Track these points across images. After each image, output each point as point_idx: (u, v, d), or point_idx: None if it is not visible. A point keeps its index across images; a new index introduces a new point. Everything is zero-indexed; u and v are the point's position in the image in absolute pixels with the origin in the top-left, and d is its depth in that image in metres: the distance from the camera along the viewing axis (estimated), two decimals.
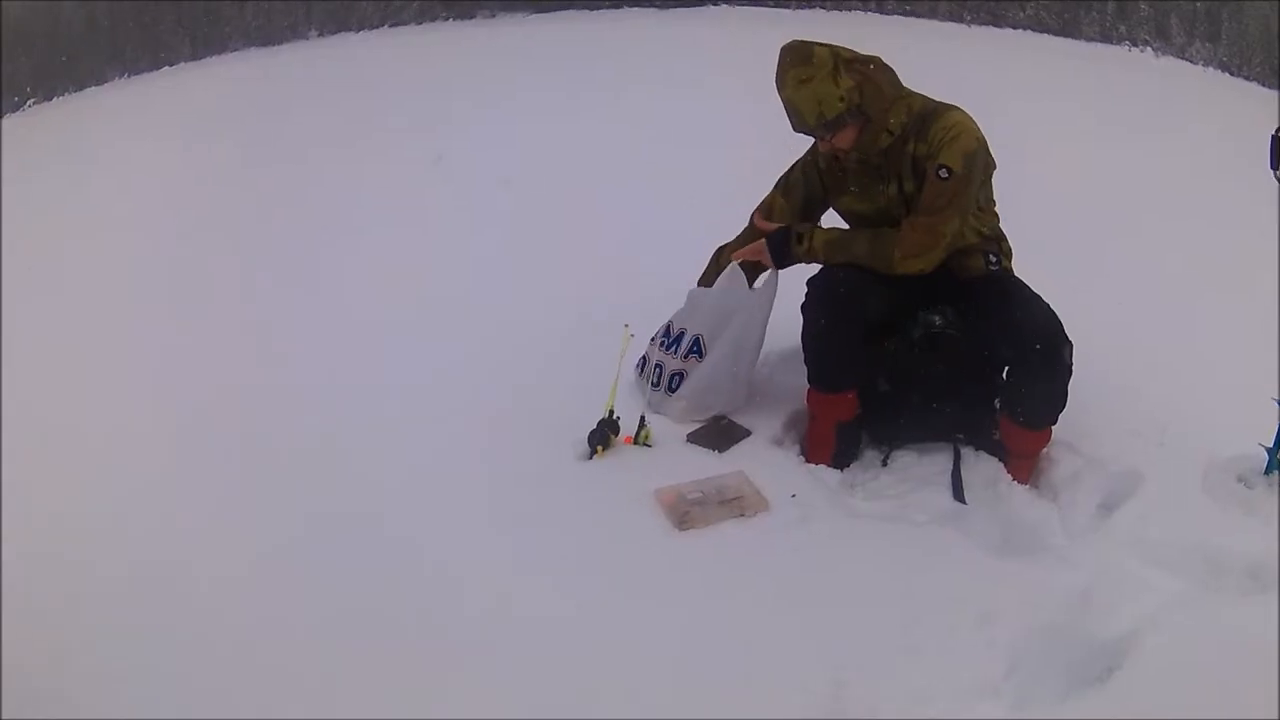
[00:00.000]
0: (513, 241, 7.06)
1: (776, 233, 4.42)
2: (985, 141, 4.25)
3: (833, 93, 4.08)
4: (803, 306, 4.37)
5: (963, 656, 3.45)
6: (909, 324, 4.48)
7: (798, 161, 4.65)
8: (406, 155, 8.98)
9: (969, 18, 13.23)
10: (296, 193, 8.09)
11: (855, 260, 4.29)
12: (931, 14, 12.15)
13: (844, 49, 4.18)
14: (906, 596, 3.72)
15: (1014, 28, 13.28)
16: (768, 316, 4.62)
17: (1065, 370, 4.23)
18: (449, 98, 10.93)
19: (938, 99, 4.36)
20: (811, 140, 4.42)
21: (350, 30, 14.34)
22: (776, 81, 4.15)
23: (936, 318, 4.43)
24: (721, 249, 4.79)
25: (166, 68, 12.65)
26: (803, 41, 4.19)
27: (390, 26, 14.68)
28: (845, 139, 4.22)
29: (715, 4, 15.77)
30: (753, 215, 4.68)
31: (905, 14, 11.34)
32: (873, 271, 4.26)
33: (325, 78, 12.19)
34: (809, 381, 4.50)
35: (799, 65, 4.10)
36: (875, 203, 4.39)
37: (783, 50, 4.18)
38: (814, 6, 13.87)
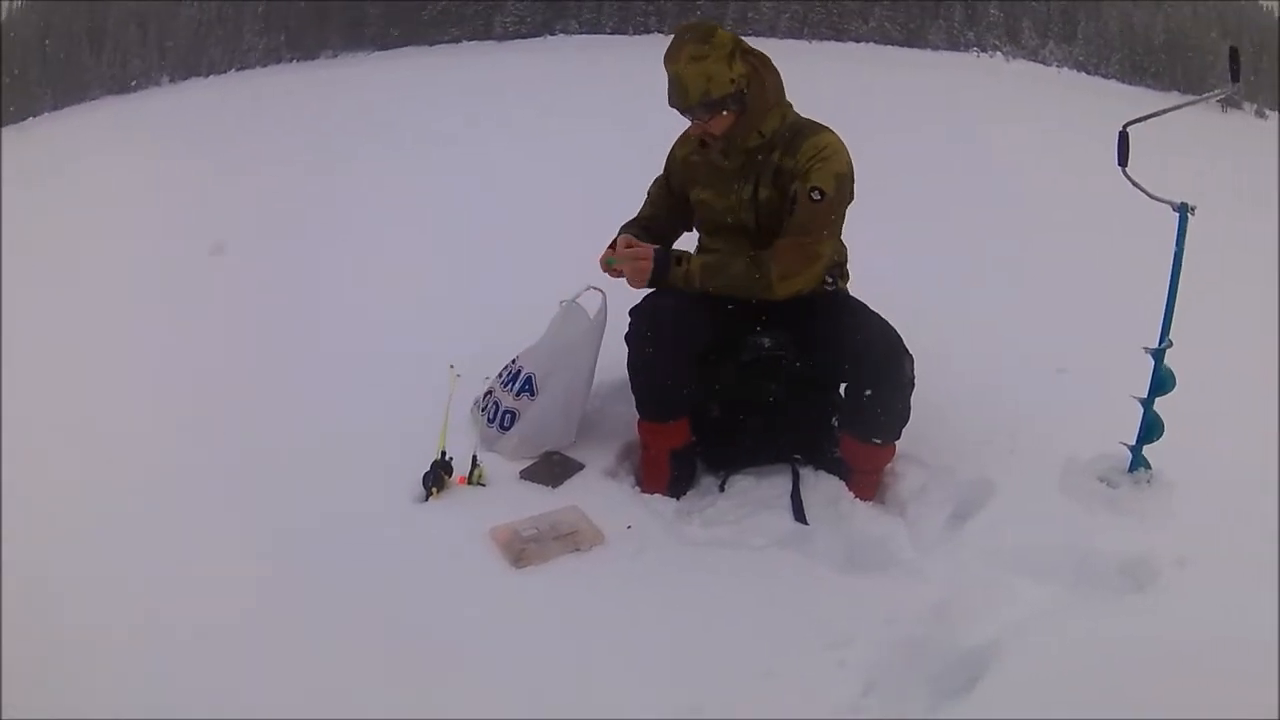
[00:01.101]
0: (353, 284, 7.06)
1: (656, 252, 4.28)
2: (852, 167, 4.23)
3: (724, 74, 4.04)
4: (627, 337, 4.27)
5: (818, 678, 3.36)
6: (739, 348, 4.42)
7: (667, 158, 4.70)
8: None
9: (809, 33, 13.48)
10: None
11: (733, 283, 4.17)
12: (771, 32, 12.36)
13: (743, 40, 4.19)
14: (753, 621, 3.63)
15: (857, 41, 13.58)
16: (597, 351, 4.56)
17: (908, 383, 4.19)
18: (287, 144, 10.95)
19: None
20: (677, 136, 4.54)
21: (200, 75, 14.75)
22: (667, 56, 4.09)
23: (766, 340, 4.36)
24: (628, 226, 4.69)
25: (30, 119, 12.96)
26: (707, 21, 4.21)
27: (238, 70, 15.06)
28: (720, 124, 4.17)
29: (553, 33, 16.19)
30: (620, 232, 4.56)
31: (746, 33, 11.54)
32: (700, 298, 4.19)
33: (181, 124, 12.33)
34: (638, 411, 4.42)
35: (698, 42, 4.04)
36: (726, 199, 4.35)
37: (684, 27, 4.14)
38: (651, 31, 14.17)
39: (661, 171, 4.72)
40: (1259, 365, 6.17)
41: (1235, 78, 4.18)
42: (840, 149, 4.20)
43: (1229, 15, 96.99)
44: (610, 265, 4.26)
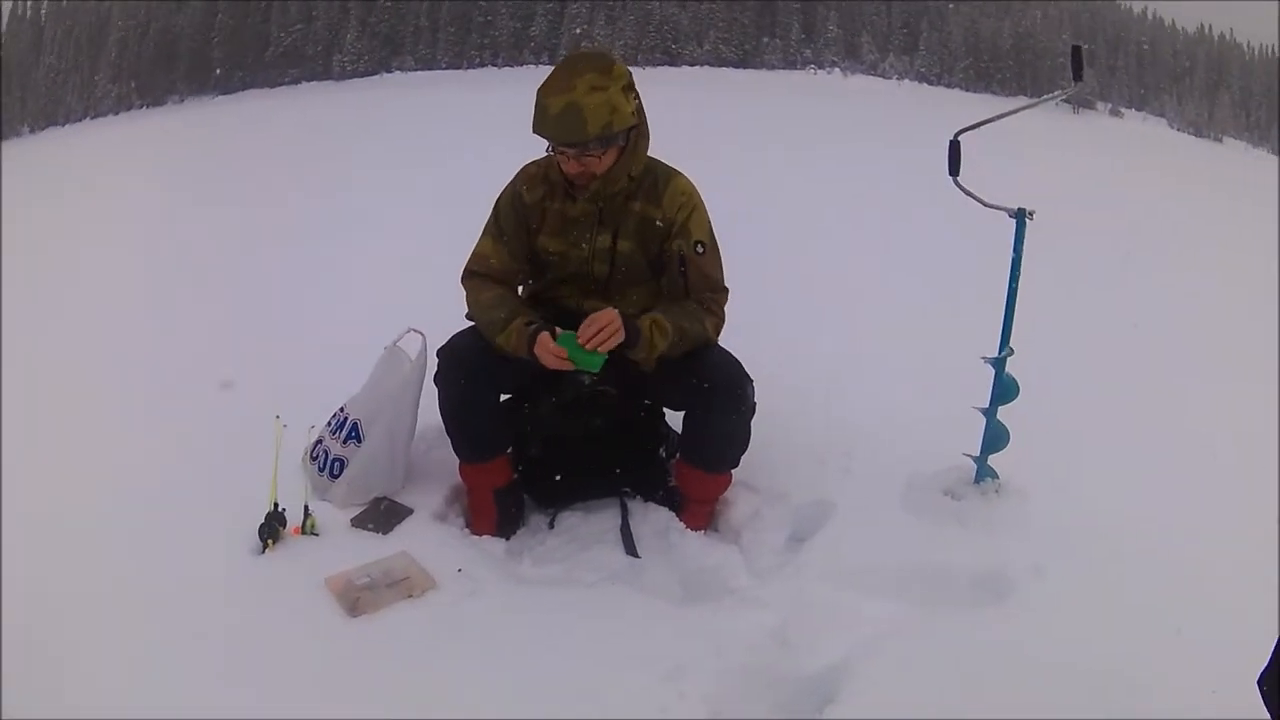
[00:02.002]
0: (162, 334, 6.88)
1: (628, 329, 3.94)
2: None
3: (625, 107, 3.88)
4: (435, 378, 4.19)
5: (659, 712, 3.32)
6: (559, 386, 4.34)
7: (499, 203, 4.32)
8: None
9: (643, 59, 13.57)
10: None
11: (687, 341, 4.01)
12: None
13: None
14: (590, 659, 3.56)
15: (691, 64, 13.68)
16: (419, 395, 4.47)
17: (749, 408, 4.14)
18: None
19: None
20: (515, 186, 4.26)
21: (57, 124, 14.60)
22: (556, 86, 3.84)
23: (585, 377, 4.22)
24: (534, 329, 4.05)
25: None
26: (600, 50, 4.14)
27: (92, 119, 14.96)
28: (605, 162, 3.96)
29: (389, 71, 16.27)
30: (467, 271, 4.31)
31: None
32: None
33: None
34: (456, 453, 4.36)
35: (597, 72, 3.84)
36: (578, 247, 4.19)
37: (577, 55, 3.98)
38: (485, 65, 14.22)
39: (492, 219, 4.35)
40: (1103, 368, 6.22)
41: (1078, 76, 4.17)
42: (696, 192, 4.17)
43: (1082, 15, 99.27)
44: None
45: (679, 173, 4.20)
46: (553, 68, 3.94)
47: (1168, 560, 4.06)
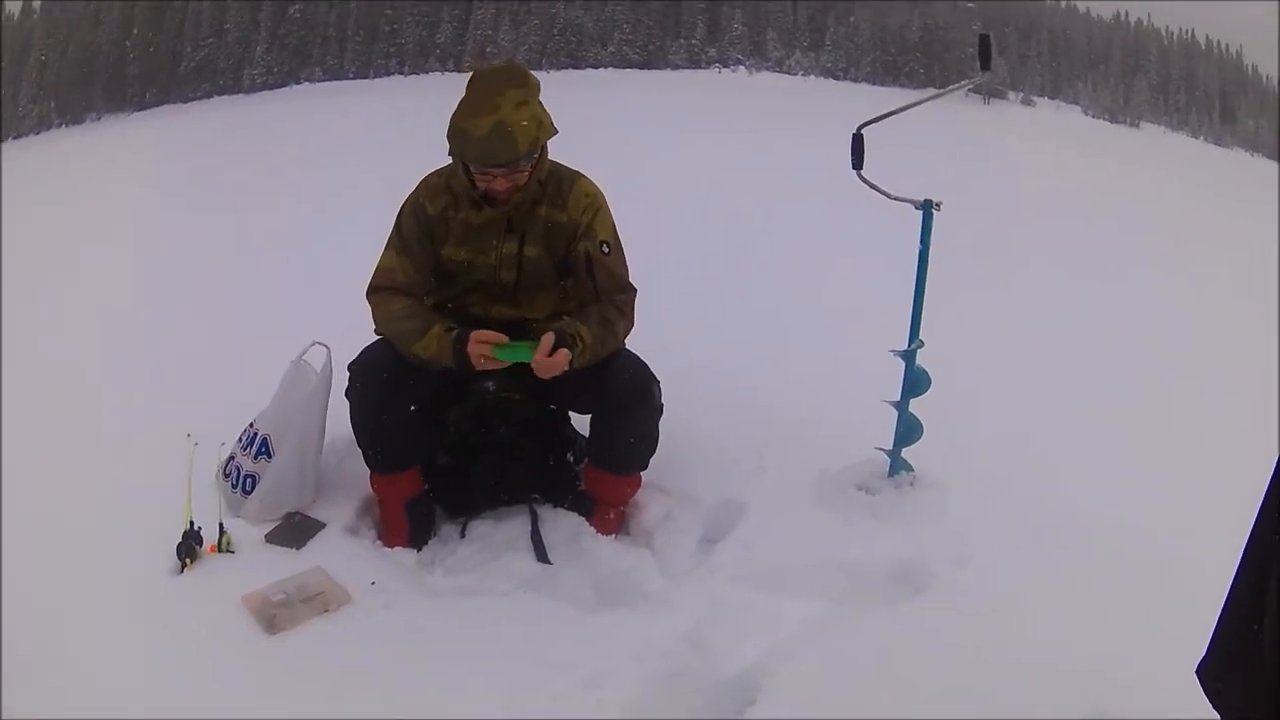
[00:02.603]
0: (89, 349, 6.81)
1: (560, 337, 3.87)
2: None
3: (546, 118, 3.87)
4: (346, 392, 4.16)
5: None
6: (464, 395, 4.35)
7: (402, 216, 4.25)
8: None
9: (548, 63, 13.59)
10: None
11: (603, 351, 3.97)
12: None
13: None
14: (506, 668, 3.56)
15: (596, 67, 13.71)
16: (325, 407, 4.45)
17: (656, 410, 4.15)
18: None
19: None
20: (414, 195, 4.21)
21: None
22: (478, 106, 3.78)
23: (490, 384, 4.25)
24: (456, 334, 3.98)
25: None
26: (509, 62, 4.02)
27: (14, 139, 14.85)
28: (525, 175, 3.93)
29: (298, 83, 16.22)
30: (372, 286, 4.22)
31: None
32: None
33: None
34: (367, 465, 4.32)
35: (517, 86, 3.81)
36: (486, 256, 4.16)
37: (488, 73, 3.89)
38: (391, 74, 14.21)
39: (394, 233, 4.28)
40: (1014, 358, 6.27)
41: (985, 65, 4.18)
42: (600, 193, 4.17)
43: (991, 6, 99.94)
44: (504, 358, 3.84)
45: (582, 175, 4.20)
46: (466, 87, 3.87)
47: (1087, 546, 4.11)
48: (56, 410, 5.65)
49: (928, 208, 4.17)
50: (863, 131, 4.21)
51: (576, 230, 4.08)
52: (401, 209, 4.24)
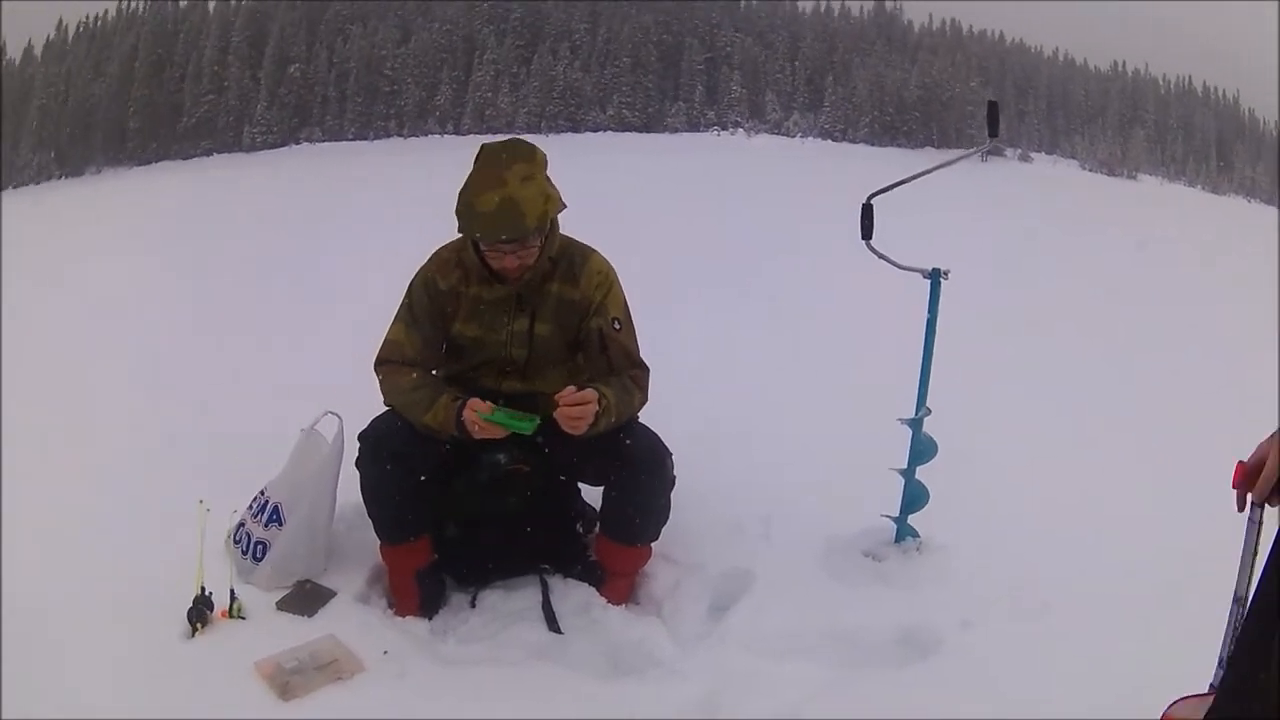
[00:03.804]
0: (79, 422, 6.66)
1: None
2: None
3: (554, 194, 3.90)
4: (356, 462, 4.18)
5: None
6: (476, 467, 4.33)
7: (412, 290, 4.27)
8: None
9: (546, 127, 13.66)
10: None
11: (620, 419, 3.98)
12: (509, 127, 12.48)
13: None
14: None
15: (595, 130, 13.79)
16: (337, 477, 4.46)
17: (669, 481, 4.16)
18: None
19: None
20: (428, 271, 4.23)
21: None
22: (485, 181, 3.83)
23: (501, 456, 4.25)
24: (460, 403, 3.98)
25: None
26: (515, 139, 3.97)
27: (14, 188, 14.93)
28: (535, 252, 3.97)
29: (298, 143, 16.28)
30: (380, 359, 4.27)
31: (481, 131, 11.80)
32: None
33: None
34: (377, 535, 4.34)
35: (523, 161, 3.85)
36: (497, 333, 4.19)
37: (495, 148, 3.93)
38: (390, 135, 14.28)
39: (404, 306, 4.30)
40: (1020, 425, 6.27)
41: (994, 132, 4.24)
42: (612, 270, 4.21)
43: (991, 60, 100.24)
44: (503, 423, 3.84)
45: (594, 251, 4.23)
46: (473, 162, 3.91)
47: (1095, 612, 4.12)
48: (65, 470, 5.61)
49: (935, 276, 4.20)
50: (872, 201, 4.24)
51: (589, 307, 4.11)
52: (412, 282, 4.26)
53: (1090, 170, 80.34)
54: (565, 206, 3.97)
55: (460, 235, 4.00)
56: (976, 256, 9.32)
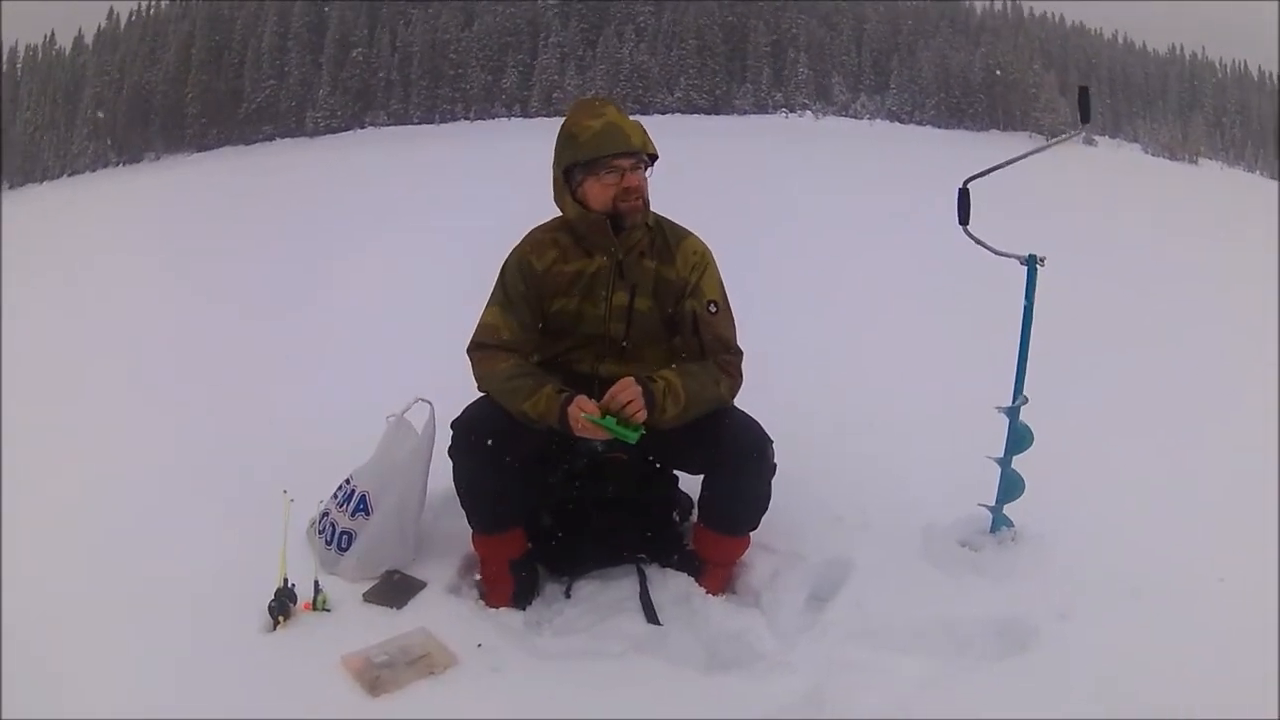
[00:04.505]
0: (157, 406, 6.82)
1: (645, 389, 3.85)
2: None
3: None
4: (450, 450, 4.11)
5: None
6: (572, 454, 4.31)
7: (506, 271, 4.25)
8: None
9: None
10: None
11: (699, 407, 3.94)
12: None
13: None
14: None
15: (663, 112, 13.72)
16: (428, 465, 4.40)
17: (770, 469, 4.10)
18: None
19: None
20: (515, 254, 4.23)
21: (35, 181, 14.81)
22: (589, 110, 4.03)
23: (598, 444, 4.18)
24: (566, 396, 3.90)
25: None
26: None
27: (69, 175, 15.14)
28: (646, 184, 4.09)
29: (362, 127, 16.36)
30: (474, 343, 4.21)
31: (549, 114, 11.87)
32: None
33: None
34: (470, 525, 4.27)
35: (616, 105, 4.09)
36: (597, 308, 4.15)
37: (591, 99, 4.18)
38: (457, 119, 14.26)
39: (499, 287, 4.26)
40: (1118, 411, 6.18)
41: (1086, 118, 4.15)
42: (708, 251, 4.21)
43: (1053, 43, 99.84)
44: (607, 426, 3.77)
45: (690, 232, 4.22)
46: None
47: (1193, 600, 4.03)
48: (142, 461, 5.64)
49: (1032, 263, 4.12)
50: (968, 186, 4.16)
51: (685, 288, 4.08)
52: (505, 264, 4.22)
53: (1152, 154, 79.90)
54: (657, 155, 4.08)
55: (554, 217, 4.07)
56: (1064, 242, 9.17)
